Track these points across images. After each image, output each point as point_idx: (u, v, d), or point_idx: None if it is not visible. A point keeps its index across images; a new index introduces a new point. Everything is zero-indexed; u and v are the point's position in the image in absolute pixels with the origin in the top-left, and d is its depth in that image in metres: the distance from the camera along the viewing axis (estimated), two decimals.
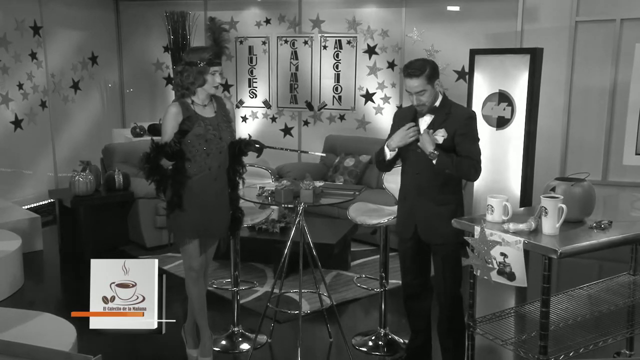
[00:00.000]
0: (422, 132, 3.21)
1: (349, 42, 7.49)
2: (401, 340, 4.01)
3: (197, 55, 3.40)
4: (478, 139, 3.26)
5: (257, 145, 3.60)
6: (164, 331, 2.28)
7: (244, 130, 8.01)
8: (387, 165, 3.40)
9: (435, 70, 3.22)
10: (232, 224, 3.67)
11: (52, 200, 6.76)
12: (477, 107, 6.04)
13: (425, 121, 3.25)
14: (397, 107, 7.32)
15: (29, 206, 7.03)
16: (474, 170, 3.19)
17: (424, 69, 3.15)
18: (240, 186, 3.68)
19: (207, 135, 3.39)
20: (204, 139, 3.38)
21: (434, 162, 3.14)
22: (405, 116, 3.38)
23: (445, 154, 3.15)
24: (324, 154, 7.05)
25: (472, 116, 3.29)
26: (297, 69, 7.79)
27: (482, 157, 3.24)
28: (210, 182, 3.44)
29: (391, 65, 7.31)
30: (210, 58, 3.38)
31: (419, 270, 3.45)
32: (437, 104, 3.24)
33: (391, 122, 3.48)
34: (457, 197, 3.31)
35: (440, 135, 3.17)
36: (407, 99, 3.30)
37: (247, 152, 3.59)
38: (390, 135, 3.38)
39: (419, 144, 3.18)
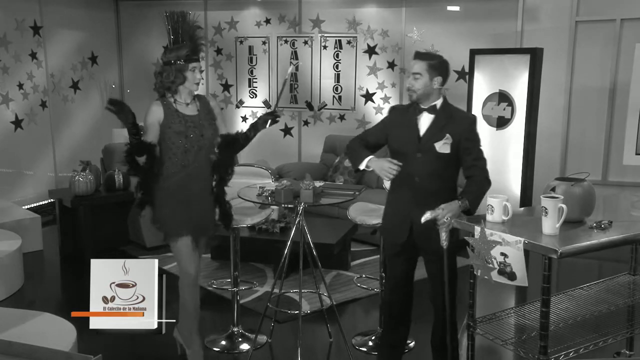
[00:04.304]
0: (443, 218, 2.93)
1: (349, 42, 7.49)
2: None
3: (174, 54, 3.42)
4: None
5: (270, 117, 3.70)
6: (164, 331, 2.29)
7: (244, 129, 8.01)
8: (356, 170, 3.31)
9: (443, 67, 3.13)
10: (223, 219, 3.64)
11: (52, 200, 6.76)
12: (477, 107, 6.04)
13: (424, 121, 3.15)
14: None
15: (29, 206, 7.03)
16: (487, 184, 3.16)
17: (431, 58, 3.12)
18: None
19: (188, 132, 3.40)
20: (184, 136, 3.39)
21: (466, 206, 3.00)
22: (401, 114, 3.27)
23: (468, 195, 3.03)
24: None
25: (475, 121, 3.23)
26: (297, 69, 7.79)
27: None
28: (185, 179, 3.41)
29: (391, 65, 7.31)
30: (187, 55, 3.41)
31: (409, 276, 3.31)
32: (438, 105, 3.15)
33: (385, 115, 3.39)
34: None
35: (444, 142, 3.07)
36: (407, 99, 3.26)
37: (266, 126, 3.72)
38: (378, 126, 3.34)
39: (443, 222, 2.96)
